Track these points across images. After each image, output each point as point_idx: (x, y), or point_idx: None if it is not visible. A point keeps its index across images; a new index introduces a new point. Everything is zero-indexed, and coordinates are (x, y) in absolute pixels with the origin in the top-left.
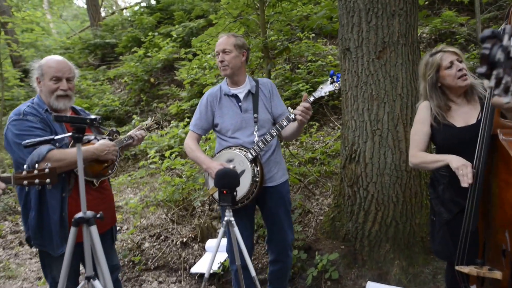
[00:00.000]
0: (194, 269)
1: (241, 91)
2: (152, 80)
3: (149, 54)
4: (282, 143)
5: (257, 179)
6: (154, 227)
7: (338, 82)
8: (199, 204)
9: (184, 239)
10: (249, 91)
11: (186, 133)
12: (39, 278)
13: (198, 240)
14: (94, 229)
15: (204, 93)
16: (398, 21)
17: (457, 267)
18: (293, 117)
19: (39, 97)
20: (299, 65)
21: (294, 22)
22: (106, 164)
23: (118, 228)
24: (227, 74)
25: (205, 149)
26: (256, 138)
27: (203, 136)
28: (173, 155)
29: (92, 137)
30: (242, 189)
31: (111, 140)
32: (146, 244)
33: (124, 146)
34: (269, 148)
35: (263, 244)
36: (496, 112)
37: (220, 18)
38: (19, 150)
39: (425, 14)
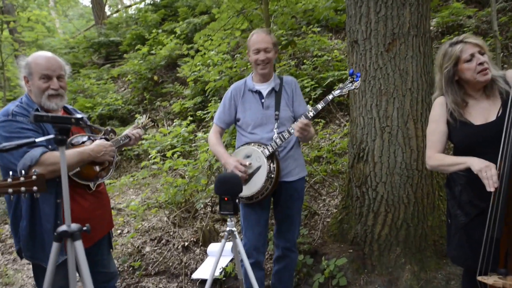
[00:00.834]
0: (195, 275)
1: (265, 88)
2: (155, 78)
3: (152, 51)
4: None
5: (272, 176)
6: (155, 230)
7: (358, 81)
8: (202, 206)
9: (186, 243)
10: (273, 89)
11: (189, 132)
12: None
13: (200, 244)
14: (79, 244)
15: (207, 90)
16: (409, 11)
17: (479, 278)
18: (311, 115)
19: (27, 96)
20: (304, 61)
21: (299, 15)
22: (103, 166)
23: (119, 231)
24: (266, 73)
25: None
26: (275, 135)
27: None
28: (175, 155)
29: (86, 138)
30: (257, 185)
31: (107, 140)
32: (147, 248)
33: (120, 146)
34: (287, 144)
35: (269, 249)
36: None
37: (222, 12)
38: (8, 154)
39: (438, 3)
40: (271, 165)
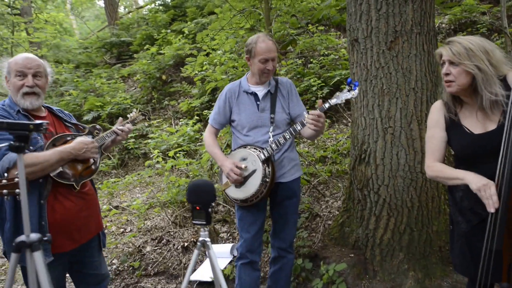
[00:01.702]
0: (193, 277)
1: (260, 90)
2: (164, 77)
3: (161, 51)
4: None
5: (267, 180)
6: (157, 230)
7: (356, 90)
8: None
9: (186, 244)
10: (269, 91)
11: (195, 131)
12: None
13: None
14: (38, 255)
15: (208, 89)
16: (411, 8)
17: None
18: (299, 128)
19: (10, 98)
20: (312, 60)
21: (300, 13)
22: (87, 164)
23: (121, 230)
24: (268, 80)
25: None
26: (271, 138)
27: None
28: (178, 155)
29: (69, 137)
30: (251, 188)
31: (92, 136)
32: (148, 248)
33: (111, 143)
34: (283, 146)
35: (267, 251)
36: None
37: (225, 12)
38: None
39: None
40: (266, 169)
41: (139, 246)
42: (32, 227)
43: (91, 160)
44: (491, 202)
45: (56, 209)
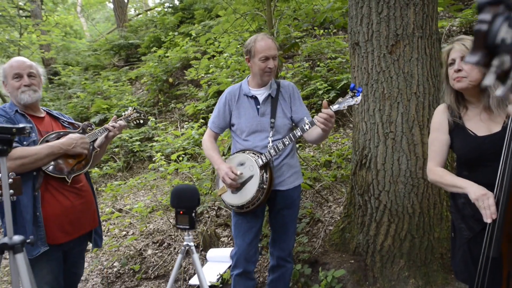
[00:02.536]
0: (192, 281)
1: (261, 93)
2: (170, 80)
3: (167, 54)
4: (297, 145)
5: (264, 186)
6: (159, 233)
7: (359, 97)
8: (206, 209)
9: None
10: (269, 95)
11: (200, 134)
12: None
13: (201, 248)
14: (20, 257)
15: (210, 92)
16: (413, 11)
17: None
18: (307, 127)
19: (11, 101)
20: (319, 63)
21: (302, 16)
22: (79, 159)
23: (124, 233)
24: (269, 80)
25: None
26: (270, 144)
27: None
28: (181, 158)
29: (62, 133)
30: (248, 195)
31: (84, 133)
32: (149, 251)
33: (106, 139)
34: (282, 152)
35: (267, 256)
36: None
37: (228, 14)
38: None
39: (448, 3)
40: (264, 175)
41: (140, 249)
42: (27, 217)
43: (83, 155)
44: (489, 212)
45: (48, 201)
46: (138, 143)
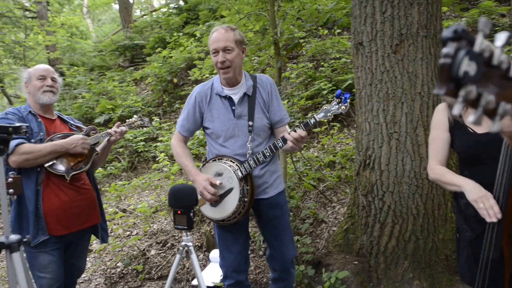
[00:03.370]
0: (195, 282)
1: (235, 93)
2: (175, 80)
3: (171, 54)
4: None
5: (245, 199)
6: (162, 233)
7: (346, 104)
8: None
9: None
10: (245, 93)
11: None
12: None
13: (204, 249)
14: (16, 256)
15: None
16: (417, 11)
17: None
18: (280, 145)
19: (27, 103)
20: (323, 63)
21: (305, 16)
22: (80, 159)
23: (127, 233)
24: (230, 77)
25: None
26: (250, 151)
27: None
28: None
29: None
30: (228, 209)
31: (88, 136)
32: (152, 252)
33: (108, 143)
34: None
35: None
36: None
37: (232, 15)
38: None
39: (453, 2)
40: (245, 187)
41: (143, 249)
42: (30, 209)
43: (83, 156)
44: (492, 212)
45: (48, 196)
46: (142, 143)
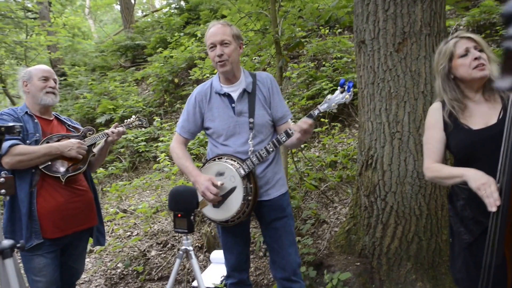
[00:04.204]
0: (195, 283)
1: (235, 90)
2: (176, 80)
3: (172, 54)
4: (302, 145)
5: (249, 198)
6: (163, 234)
7: (350, 93)
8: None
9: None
10: (244, 90)
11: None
12: None
13: (205, 250)
14: (9, 262)
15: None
16: (421, 8)
17: None
18: (293, 132)
19: (24, 104)
20: (324, 63)
21: (306, 15)
22: (75, 161)
23: (128, 234)
24: (227, 71)
25: None
26: (251, 148)
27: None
28: None
29: (64, 137)
30: (232, 209)
31: (84, 137)
32: (153, 253)
33: (105, 143)
34: (266, 159)
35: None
36: None
37: (233, 14)
38: None
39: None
40: (248, 185)
41: (144, 250)
42: (23, 211)
43: (79, 159)
44: (492, 200)
45: (44, 198)
46: (143, 143)
